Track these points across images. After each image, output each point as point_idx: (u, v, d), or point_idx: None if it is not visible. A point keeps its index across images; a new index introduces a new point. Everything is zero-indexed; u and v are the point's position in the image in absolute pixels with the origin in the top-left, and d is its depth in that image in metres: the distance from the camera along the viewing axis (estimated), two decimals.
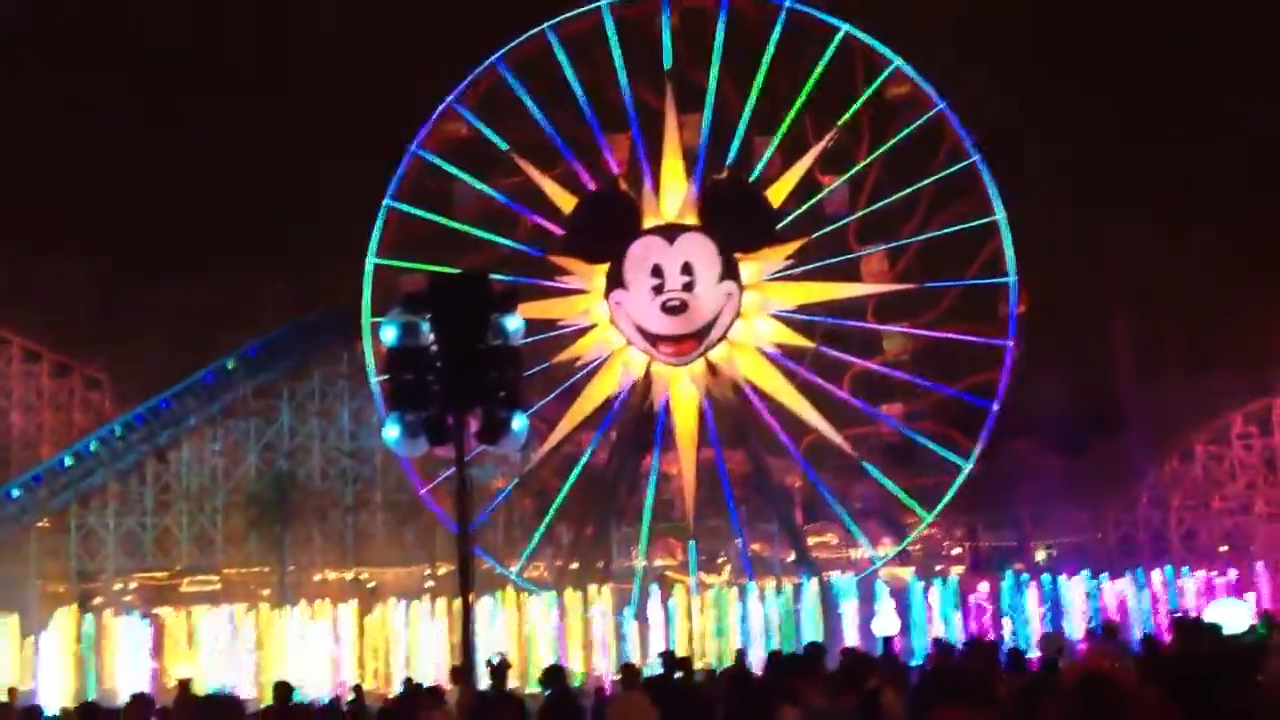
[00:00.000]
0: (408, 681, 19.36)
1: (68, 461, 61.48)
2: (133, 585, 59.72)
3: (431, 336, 17.24)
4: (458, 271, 27.95)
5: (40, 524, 60.65)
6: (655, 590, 30.55)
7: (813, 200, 42.07)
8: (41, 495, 60.52)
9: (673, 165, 42.43)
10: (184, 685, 18.89)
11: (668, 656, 17.06)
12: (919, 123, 41.21)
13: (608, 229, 41.22)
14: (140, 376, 66.94)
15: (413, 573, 57.78)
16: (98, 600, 53.16)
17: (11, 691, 21.58)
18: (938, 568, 46.85)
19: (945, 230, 40.85)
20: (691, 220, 41.65)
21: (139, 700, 14.48)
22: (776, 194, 41.67)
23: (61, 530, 60.60)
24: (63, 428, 69.13)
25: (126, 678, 25.77)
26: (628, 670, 13.87)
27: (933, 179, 40.96)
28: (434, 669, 26.79)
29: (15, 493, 60.35)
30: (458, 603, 24.47)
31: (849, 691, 10.49)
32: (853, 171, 42.06)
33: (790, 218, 41.74)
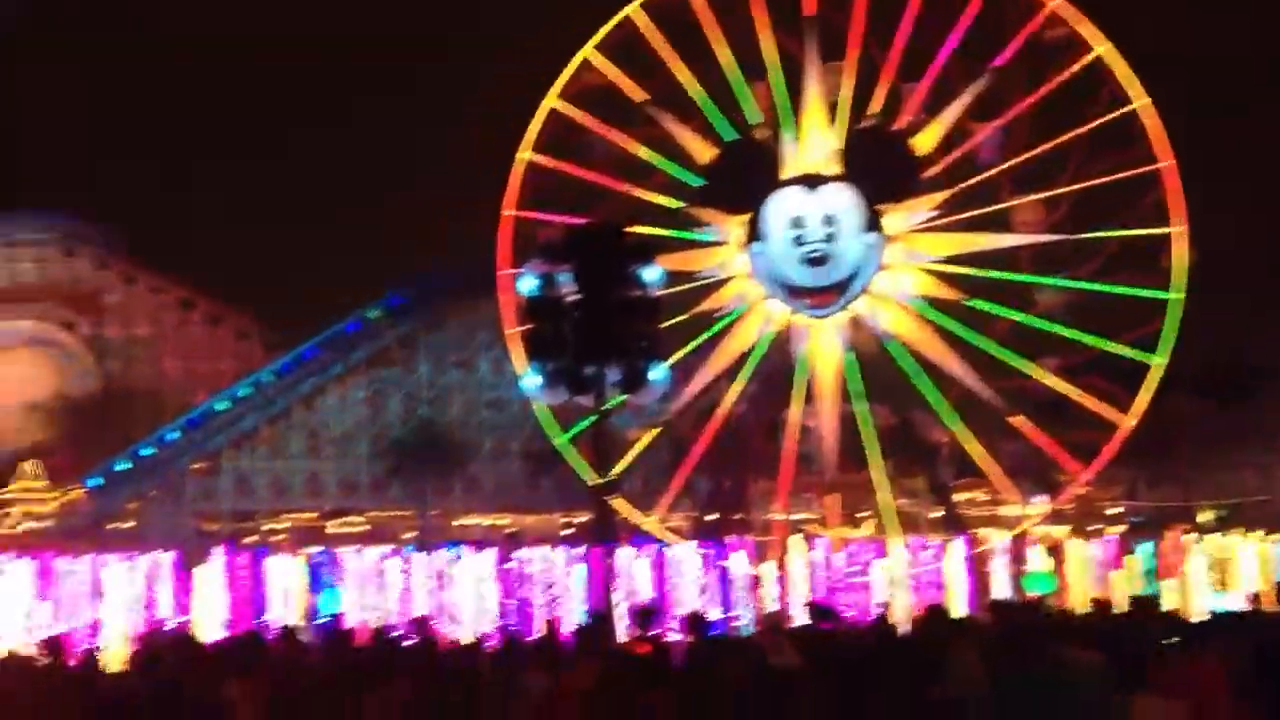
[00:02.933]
0: (549, 623, 19.56)
1: (220, 407, 63.68)
2: (282, 525, 61.79)
3: (570, 287, 17.16)
4: (594, 223, 27.84)
5: (195, 466, 63.05)
6: (795, 543, 30.26)
7: (962, 148, 40.86)
8: (196, 439, 62.91)
9: (814, 114, 41.61)
10: (338, 620, 19.53)
11: (814, 607, 16.89)
12: (1078, 66, 39.59)
13: (747, 179, 40.72)
14: (288, 325, 68.98)
15: (551, 520, 58.60)
16: (250, 539, 55.03)
17: (160, 625, 22.29)
18: (1094, 527, 45.51)
19: (1105, 179, 39.23)
20: (834, 170, 40.88)
21: (286, 633, 15.12)
22: (923, 142, 40.55)
23: (215, 472, 62.95)
24: (215, 375, 71.63)
25: (278, 614, 26.50)
26: (771, 618, 13.79)
27: (1092, 125, 39.31)
28: (573, 615, 26.98)
29: (171, 436, 62.80)
30: (596, 550, 24.58)
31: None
32: (1005, 118, 40.66)
33: (938, 166, 40.65)
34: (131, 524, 60.28)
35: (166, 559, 27.28)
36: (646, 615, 15.27)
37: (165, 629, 21.52)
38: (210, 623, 25.19)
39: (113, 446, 63.06)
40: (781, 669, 9.89)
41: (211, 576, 26.86)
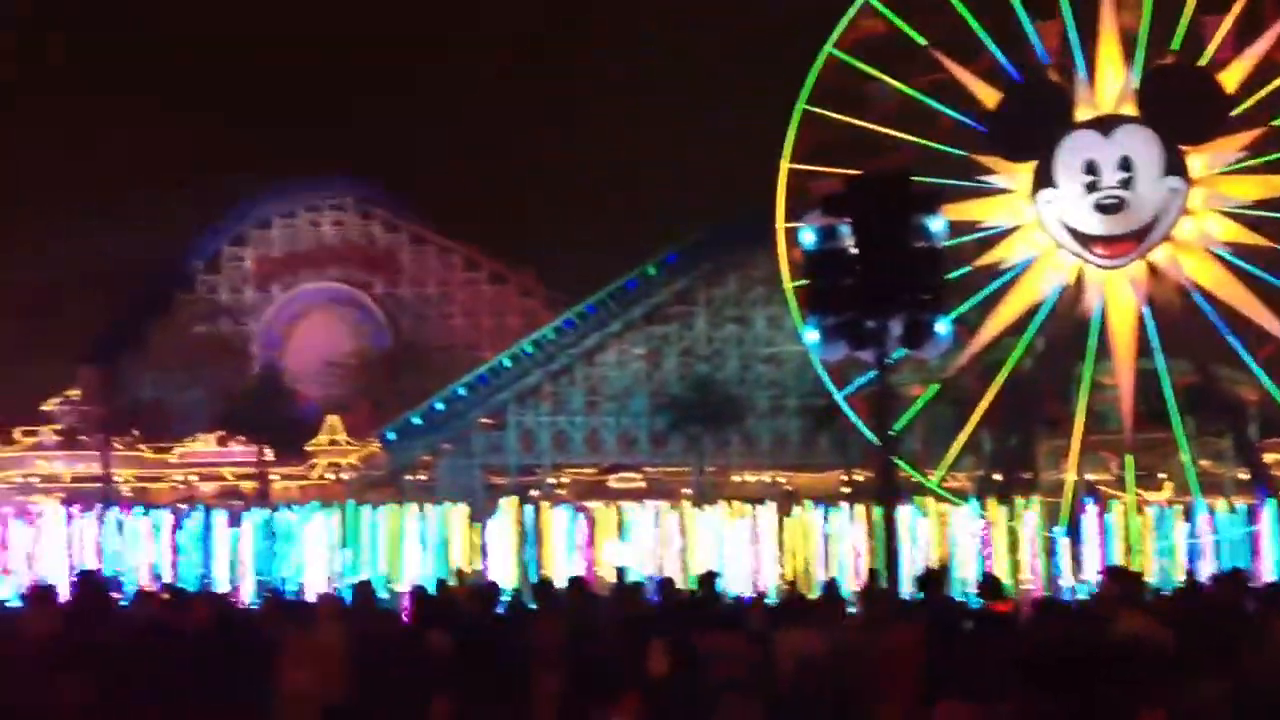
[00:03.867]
0: (831, 583, 19.35)
1: (506, 363, 65.88)
2: (565, 479, 63.57)
3: (851, 239, 16.70)
4: (876, 172, 27.12)
5: (483, 420, 65.51)
6: (1089, 505, 28.88)
7: (1272, 84, 37.84)
8: (483, 394, 65.28)
9: (1109, 51, 39.35)
10: (620, 572, 19.99)
11: (1115, 571, 15.99)
12: None
13: (1035, 123, 38.94)
14: (570, 283, 70.72)
15: (827, 478, 58.02)
16: (534, 492, 56.89)
17: (459, 573, 23.39)
18: None
19: None
20: (1130, 111, 38.59)
21: (578, 581, 15.44)
22: (1230, 79, 37.81)
23: (502, 427, 65.22)
24: (501, 331, 74.29)
25: (561, 564, 27.32)
26: (1110, 584, 12.93)
27: None
28: (850, 574, 26.68)
29: (461, 391, 65.45)
30: (876, 509, 24.13)
31: None
32: None
33: (1246, 104, 37.80)
34: (424, 476, 63.25)
35: (459, 510, 28.42)
36: (939, 577, 14.77)
37: (459, 577, 22.48)
38: (500, 572, 26.11)
39: (406, 402, 66.24)
40: (1143, 637, 9.17)
41: (501, 528, 27.82)
